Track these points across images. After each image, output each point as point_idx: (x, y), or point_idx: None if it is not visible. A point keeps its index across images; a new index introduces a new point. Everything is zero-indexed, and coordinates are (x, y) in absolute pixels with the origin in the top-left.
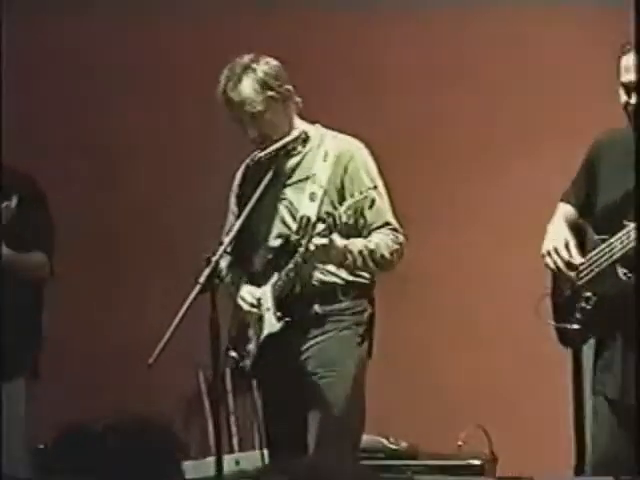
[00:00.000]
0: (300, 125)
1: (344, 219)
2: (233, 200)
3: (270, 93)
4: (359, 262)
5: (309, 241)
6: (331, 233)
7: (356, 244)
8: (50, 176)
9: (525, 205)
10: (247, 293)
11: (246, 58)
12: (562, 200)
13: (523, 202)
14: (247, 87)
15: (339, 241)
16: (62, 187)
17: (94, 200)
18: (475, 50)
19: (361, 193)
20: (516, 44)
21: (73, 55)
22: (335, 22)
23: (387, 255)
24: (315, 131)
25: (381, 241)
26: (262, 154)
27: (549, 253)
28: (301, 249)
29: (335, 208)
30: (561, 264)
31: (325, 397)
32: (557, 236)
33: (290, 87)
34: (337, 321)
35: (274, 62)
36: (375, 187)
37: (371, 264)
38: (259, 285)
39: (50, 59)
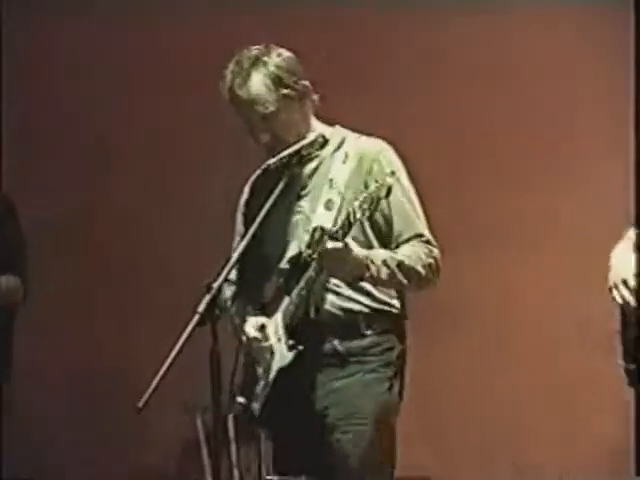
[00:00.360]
0: (318, 127)
1: (358, 215)
2: (240, 218)
3: (284, 91)
4: (384, 274)
5: (321, 246)
6: (345, 235)
7: (379, 254)
8: (47, 176)
9: (591, 223)
10: (250, 325)
11: (255, 50)
12: (634, 224)
13: (590, 217)
14: (257, 84)
15: (357, 248)
16: (60, 188)
17: (92, 201)
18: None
19: (377, 182)
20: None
21: (73, 55)
22: (336, 20)
23: (420, 269)
24: (334, 133)
25: (412, 253)
26: (271, 161)
27: (616, 286)
28: (313, 262)
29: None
30: (630, 298)
31: (349, 453)
32: (625, 266)
33: (307, 83)
34: (361, 362)
35: (287, 53)
36: (393, 173)
37: (401, 277)
38: (270, 316)
39: (50, 59)
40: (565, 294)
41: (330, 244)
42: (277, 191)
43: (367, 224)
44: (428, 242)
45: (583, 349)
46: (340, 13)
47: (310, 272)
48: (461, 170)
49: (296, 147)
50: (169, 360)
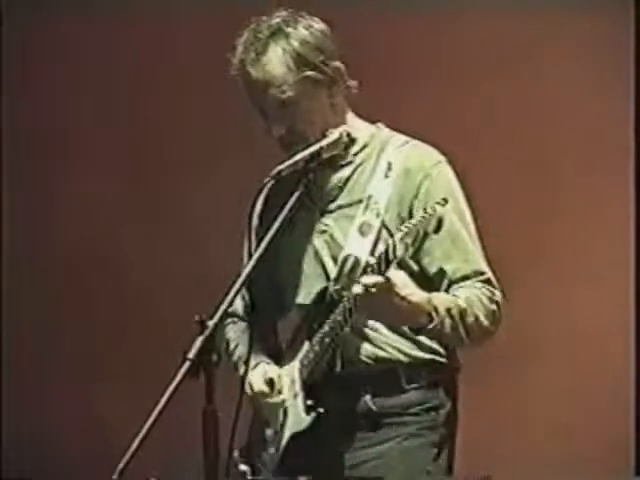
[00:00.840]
0: (355, 123)
1: (399, 252)
2: (251, 236)
3: (308, 72)
4: (447, 327)
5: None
6: (382, 273)
7: (442, 299)
8: (47, 177)
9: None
10: (258, 375)
11: (277, 17)
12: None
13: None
14: (275, 61)
15: (413, 288)
16: (60, 188)
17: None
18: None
19: (425, 212)
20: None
21: (73, 54)
22: (337, 21)
23: (483, 320)
24: (375, 135)
25: (474, 298)
26: (283, 167)
27: None
28: (344, 300)
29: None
30: None
31: None
32: None
33: (339, 64)
34: (399, 424)
35: (318, 25)
36: (445, 201)
37: (462, 331)
38: (285, 363)
39: (50, 58)
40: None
41: (367, 279)
42: (290, 203)
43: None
44: (489, 282)
45: None
46: (343, 14)
47: (337, 316)
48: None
49: (313, 148)
50: (151, 419)
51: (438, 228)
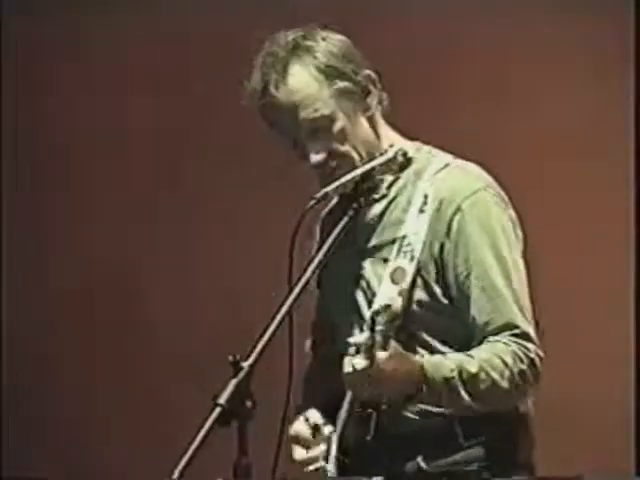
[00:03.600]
0: (395, 140)
1: (379, 340)
2: (292, 266)
3: (341, 84)
4: (445, 398)
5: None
6: (371, 353)
7: (442, 365)
8: (47, 177)
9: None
10: (300, 423)
11: (291, 34)
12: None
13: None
14: (302, 79)
15: (400, 357)
16: (59, 188)
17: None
18: None
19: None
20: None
21: (74, 55)
22: (339, 22)
23: (502, 382)
24: (414, 156)
25: (496, 358)
26: (331, 187)
27: None
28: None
29: (432, 296)
30: None
31: None
32: None
33: (370, 72)
34: None
35: (337, 36)
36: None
37: (468, 400)
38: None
39: (50, 58)
40: None
41: (358, 361)
42: (336, 233)
43: (441, 296)
44: (524, 336)
45: None
46: (345, 15)
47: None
48: None
49: (365, 168)
50: (179, 468)
51: (392, 319)
